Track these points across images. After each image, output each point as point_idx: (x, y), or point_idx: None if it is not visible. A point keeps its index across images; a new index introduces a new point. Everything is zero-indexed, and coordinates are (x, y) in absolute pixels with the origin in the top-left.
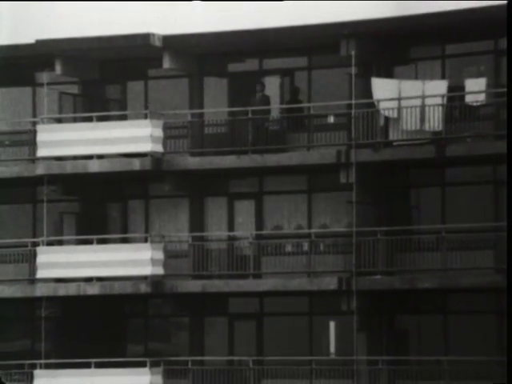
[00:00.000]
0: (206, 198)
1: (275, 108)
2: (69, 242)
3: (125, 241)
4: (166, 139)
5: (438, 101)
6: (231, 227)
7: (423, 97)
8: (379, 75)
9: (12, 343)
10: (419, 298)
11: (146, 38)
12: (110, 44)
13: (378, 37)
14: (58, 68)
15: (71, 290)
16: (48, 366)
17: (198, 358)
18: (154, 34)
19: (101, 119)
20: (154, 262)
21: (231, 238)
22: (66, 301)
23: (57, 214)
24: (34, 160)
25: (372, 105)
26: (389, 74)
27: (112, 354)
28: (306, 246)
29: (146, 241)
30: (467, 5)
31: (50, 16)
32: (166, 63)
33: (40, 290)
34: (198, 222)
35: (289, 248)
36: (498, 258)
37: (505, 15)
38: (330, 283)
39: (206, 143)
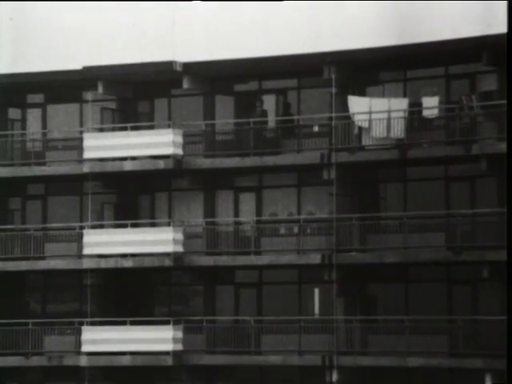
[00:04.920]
0: (217, 191)
1: (272, 120)
2: (108, 226)
3: (152, 225)
4: (185, 144)
5: (401, 114)
6: (236, 214)
7: (389, 111)
8: (354, 94)
9: (64, 305)
10: (386, 270)
11: (169, 64)
12: (141, 69)
13: (353, 64)
14: (100, 88)
15: (110, 263)
16: (93, 324)
17: (211, 317)
18: (175, 62)
19: (133, 129)
20: (175, 241)
21: (236, 223)
22: (107, 272)
23: (99, 203)
24: (81, 161)
25: (348, 117)
26: (362, 93)
27: (143, 314)
28: (295, 229)
29: (169, 225)
30: (425, 39)
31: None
32: (186, 84)
33: (86, 264)
34: (210, 210)
35: (282, 231)
36: (448, 238)
37: (455, 47)
38: (315, 258)
39: (217, 147)
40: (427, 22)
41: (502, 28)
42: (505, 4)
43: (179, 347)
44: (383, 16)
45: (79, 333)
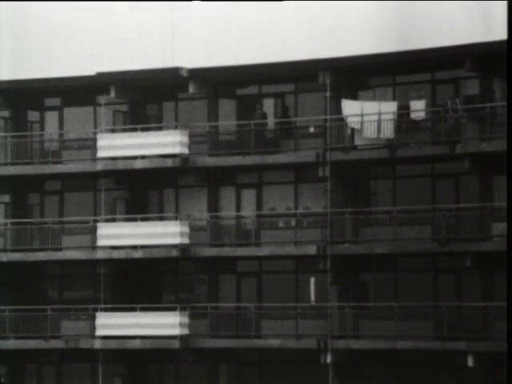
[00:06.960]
0: (220, 188)
1: (271, 121)
2: (120, 220)
3: (161, 219)
4: (191, 144)
5: (390, 116)
6: (238, 209)
7: (379, 113)
8: (347, 97)
9: (79, 292)
10: (376, 260)
11: (176, 70)
12: (150, 75)
13: (346, 70)
14: (112, 92)
15: (122, 254)
16: (106, 310)
17: (214, 304)
18: (182, 68)
19: (143, 130)
20: (182, 234)
21: (238, 217)
22: (118, 262)
23: (111, 199)
24: (94, 160)
25: (342, 119)
26: (354, 97)
27: (151, 301)
28: (293, 223)
29: (176, 219)
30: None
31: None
32: (191, 89)
33: (99, 255)
34: (214, 205)
35: (281, 224)
36: (434, 230)
37: (440, 54)
38: (311, 250)
39: (220, 147)
40: (424, 28)
41: (502, 31)
42: (504, 4)
43: (185, 332)
44: (379, 23)
45: (93, 318)
